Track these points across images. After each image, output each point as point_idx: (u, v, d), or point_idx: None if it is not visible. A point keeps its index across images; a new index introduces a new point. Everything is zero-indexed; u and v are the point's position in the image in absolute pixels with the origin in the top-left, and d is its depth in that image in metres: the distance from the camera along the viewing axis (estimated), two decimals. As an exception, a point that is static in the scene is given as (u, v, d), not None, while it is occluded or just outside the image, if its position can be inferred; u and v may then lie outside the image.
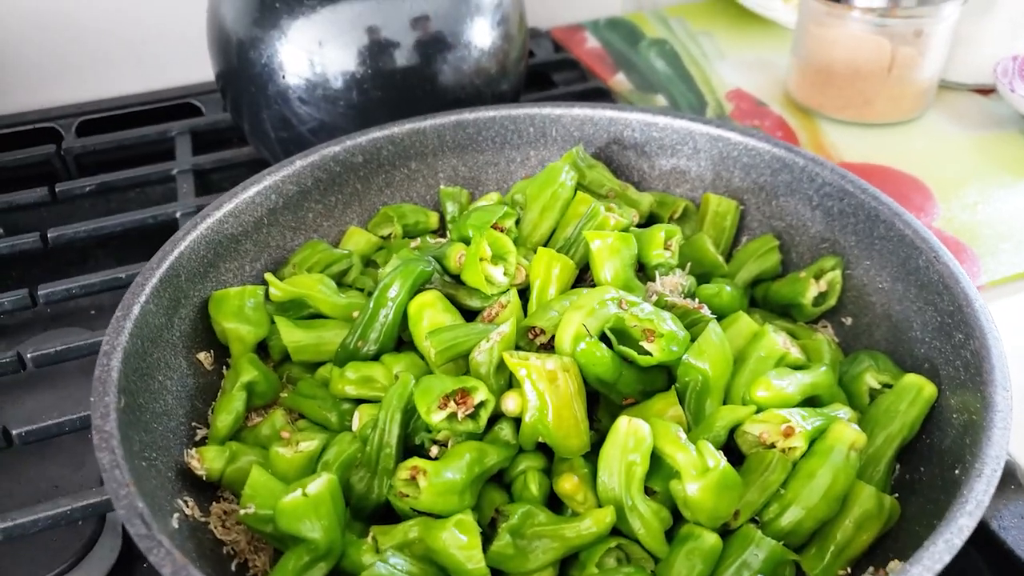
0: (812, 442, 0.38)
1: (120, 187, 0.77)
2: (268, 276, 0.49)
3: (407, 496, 0.37)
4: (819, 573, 0.37)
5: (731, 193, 0.55)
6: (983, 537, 0.44)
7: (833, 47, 0.77)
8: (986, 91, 0.83)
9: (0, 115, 0.88)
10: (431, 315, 0.45)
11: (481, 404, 0.39)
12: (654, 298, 0.45)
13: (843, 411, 0.40)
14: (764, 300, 0.51)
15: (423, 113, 0.60)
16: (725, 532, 0.37)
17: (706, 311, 0.44)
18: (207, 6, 0.74)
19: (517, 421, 0.40)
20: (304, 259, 0.53)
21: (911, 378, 0.41)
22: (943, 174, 0.72)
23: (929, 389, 0.41)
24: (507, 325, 0.42)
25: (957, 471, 0.36)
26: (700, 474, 0.36)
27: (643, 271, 0.48)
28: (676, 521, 0.38)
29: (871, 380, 0.43)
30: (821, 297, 0.49)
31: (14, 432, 0.51)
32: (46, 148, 0.83)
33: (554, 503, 0.39)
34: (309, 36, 0.64)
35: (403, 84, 0.65)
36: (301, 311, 0.50)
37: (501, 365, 0.41)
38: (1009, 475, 0.46)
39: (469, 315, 0.47)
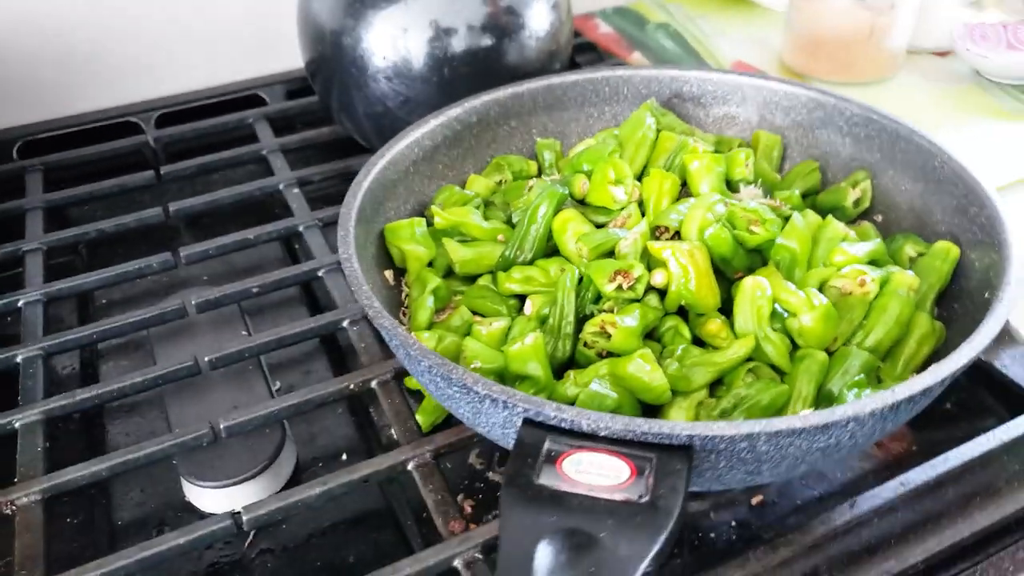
0: (881, 288, 0.53)
1: (217, 168, 0.88)
2: (433, 209, 0.61)
3: (595, 345, 0.50)
4: (896, 376, 0.51)
5: (774, 131, 0.70)
6: (988, 376, 0.60)
7: (821, 20, 0.93)
8: (943, 54, 1.00)
9: (84, 112, 0.98)
10: (574, 226, 0.58)
11: (638, 278, 0.52)
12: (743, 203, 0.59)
13: (895, 267, 0.55)
14: (812, 208, 0.65)
15: (495, 87, 0.73)
16: (828, 353, 0.51)
17: (786, 208, 0.58)
18: (298, 4, 0.85)
19: (660, 293, 0.53)
20: (445, 200, 0.65)
21: (941, 243, 0.56)
22: (918, 119, 0.88)
23: (955, 250, 0.55)
24: (643, 223, 0.55)
25: (987, 295, 0.50)
26: (810, 309, 0.50)
27: (728, 186, 0.62)
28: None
29: (910, 250, 0.58)
30: (857, 202, 0.64)
31: (204, 359, 0.62)
32: (137, 138, 0.93)
33: (692, 352, 0.53)
34: (395, 24, 0.77)
35: (476, 63, 0.78)
36: (454, 236, 0.62)
37: (643, 254, 0.54)
38: (1004, 331, 0.61)
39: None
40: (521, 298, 0.58)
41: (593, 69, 0.72)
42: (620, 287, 0.52)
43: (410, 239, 0.60)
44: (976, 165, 0.56)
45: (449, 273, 0.61)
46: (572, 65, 1.06)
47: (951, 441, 0.53)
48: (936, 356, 0.53)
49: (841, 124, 0.66)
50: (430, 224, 0.62)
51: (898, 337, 0.52)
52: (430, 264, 0.61)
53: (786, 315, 0.52)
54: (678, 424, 0.39)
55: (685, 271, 0.52)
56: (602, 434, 0.40)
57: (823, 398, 0.49)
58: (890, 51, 0.94)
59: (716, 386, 0.51)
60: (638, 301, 0.52)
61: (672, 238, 0.57)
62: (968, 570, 0.52)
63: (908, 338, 0.52)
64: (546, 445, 0.40)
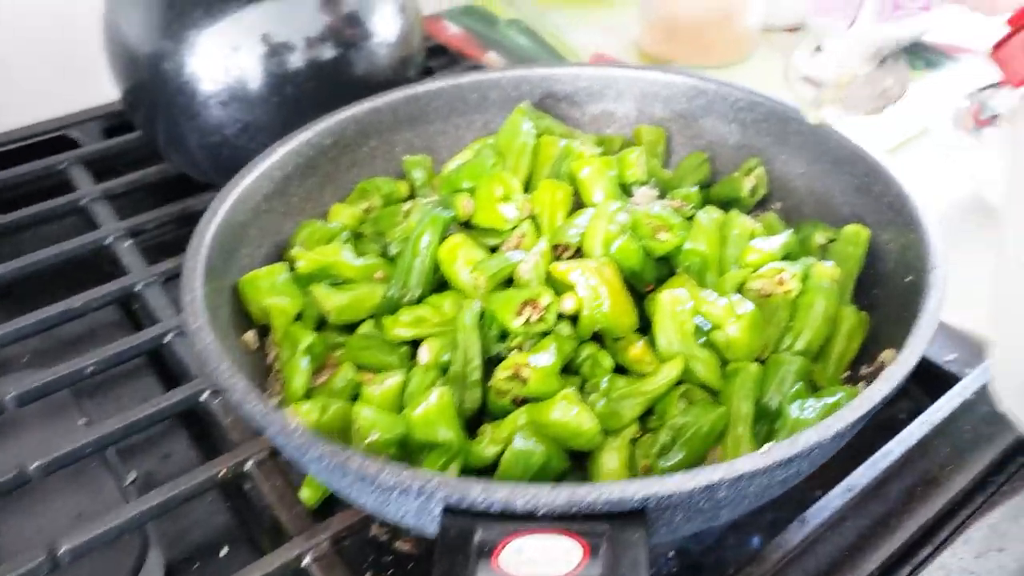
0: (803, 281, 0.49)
1: (27, 225, 0.75)
2: (296, 251, 0.53)
3: (508, 392, 0.44)
4: (829, 378, 0.47)
5: (655, 123, 0.66)
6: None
7: (676, 5, 0.90)
8: (795, 29, 1.00)
9: None
10: (464, 253, 0.51)
11: (547, 307, 0.46)
12: (641, 206, 0.54)
13: (811, 259, 0.51)
14: (706, 203, 0.61)
15: (347, 103, 0.65)
16: (760, 362, 0.47)
17: (687, 206, 0.53)
18: (103, 25, 0.74)
19: (572, 319, 0.47)
20: (306, 238, 0.57)
21: (850, 228, 0.53)
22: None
23: (865, 232, 0.53)
24: (543, 242, 0.49)
25: (908, 278, 0.48)
26: (736, 318, 0.45)
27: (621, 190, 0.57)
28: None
29: (819, 238, 0.55)
30: (753, 191, 0.60)
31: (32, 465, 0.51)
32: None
33: (613, 380, 0.47)
34: (222, 42, 0.67)
35: (323, 79, 0.69)
36: (323, 280, 0.54)
37: (547, 278, 0.48)
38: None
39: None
40: (414, 344, 0.50)
41: (457, 74, 0.66)
42: (529, 320, 0.45)
43: (271, 291, 0.51)
44: (874, 149, 0.53)
45: (324, 323, 0.53)
46: (426, 71, 0.98)
47: (874, 431, 0.50)
48: (866, 347, 0.50)
49: (726, 111, 0.62)
50: (293, 269, 0.53)
51: (827, 335, 0.48)
52: (299, 317, 0.52)
53: (708, 327, 0.47)
54: (630, 485, 0.33)
55: (596, 293, 0.46)
56: (542, 512, 0.33)
57: (762, 413, 0.45)
58: (745, 31, 0.93)
59: (647, 416, 0.46)
60: (549, 333, 0.46)
61: (575, 255, 0.51)
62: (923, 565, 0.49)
63: (837, 335, 0.48)
64: (477, 536, 0.33)
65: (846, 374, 0.48)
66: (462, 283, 0.50)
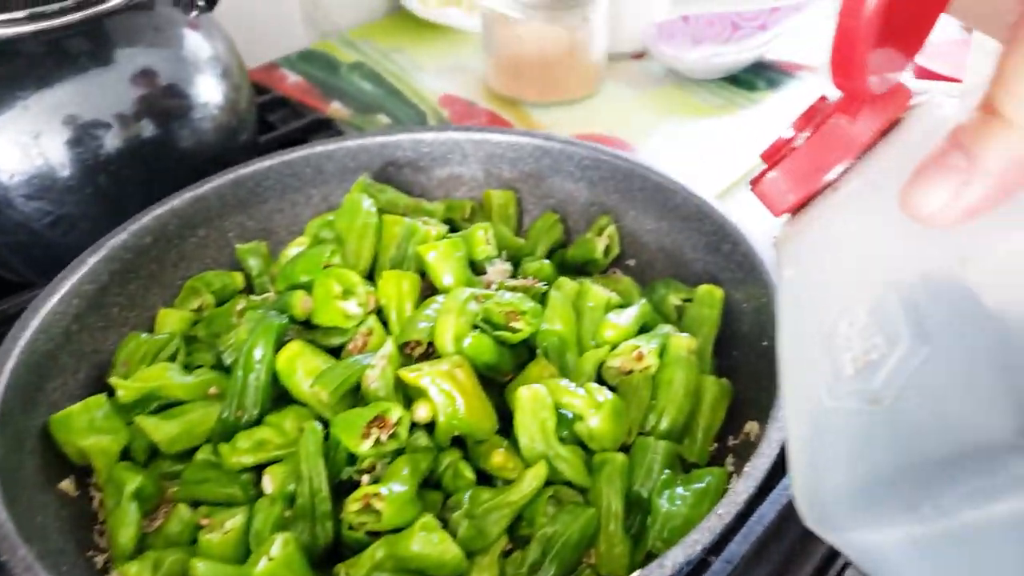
0: (660, 356, 0.48)
1: None
2: (114, 380, 0.47)
3: (362, 525, 0.40)
4: (697, 454, 0.46)
5: (504, 185, 0.63)
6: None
7: (521, 43, 0.88)
8: (640, 55, 1.00)
9: None
10: (303, 363, 0.47)
11: (398, 423, 0.42)
12: (494, 287, 0.51)
13: (668, 328, 0.50)
14: (562, 265, 0.59)
15: (175, 183, 0.60)
16: (624, 449, 0.45)
17: (538, 284, 0.51)
18: None
19: (428, 426, 0.44)
20: (130, 355, 0.51)
21: (703, 288, 0.52)
22: (630, 128, 0.87)
23: (718, 292, 0.52)
24: (388, 345, 0.45)
25: (765, 343, 0.47)
26: (597, 409, 0.43)
27: (472, 268, 0.54)
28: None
29: (674, 299, 0.53)
30: (607, 250, 0.59)
31: None
32: None
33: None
34: (18, 129, 0.60)
35: (142, 160, 0.63)
36: (150, 405, 0.48)
37: (396, 384, 0.45)
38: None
39: (333, 354, 0.49)
40: (258, 467, 0.45)
41: (287, 150, 0.61)
42: (379, 440, 0.41)
43: (89, 430, 0.45)
44: (721, 206, 0.52)
45: (155, 452, 0.47)
46: (263, 127, 0.92)
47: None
48: (732, 415, 0.49)
49: (572, 169, 0.60)
50: (113, 395, 0.47)
51: (691, 409, 0.47)
52: (125, 452, 0.47)
53: (570, 415, 0.44)
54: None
55: (451, 398, 0.43)
56: None
57: (633, 505, 0.43)
58: (592, 64, 0.92)
59: (516, 521, 0.43)
60: (403, 450, 0.43)
61: (426, 352, 0.47)
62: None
63: (701, 408, 0.47)
64: None
65: (714, 447, 0.47)
66: (304, 395, 0.46)
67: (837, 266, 0.25)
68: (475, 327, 0.46)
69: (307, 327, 0.51)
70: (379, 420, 0.42)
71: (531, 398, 0.43)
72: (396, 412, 0.42)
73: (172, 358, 0.52)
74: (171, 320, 0.54)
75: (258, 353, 0.46)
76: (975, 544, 0.20)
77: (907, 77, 0.26)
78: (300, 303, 0.50)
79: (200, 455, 0.47)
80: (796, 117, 0.27)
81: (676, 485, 0.42)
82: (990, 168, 0.20)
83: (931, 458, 0.20)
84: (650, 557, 0.40)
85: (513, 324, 0.46)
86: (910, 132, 0.25)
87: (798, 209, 0.26)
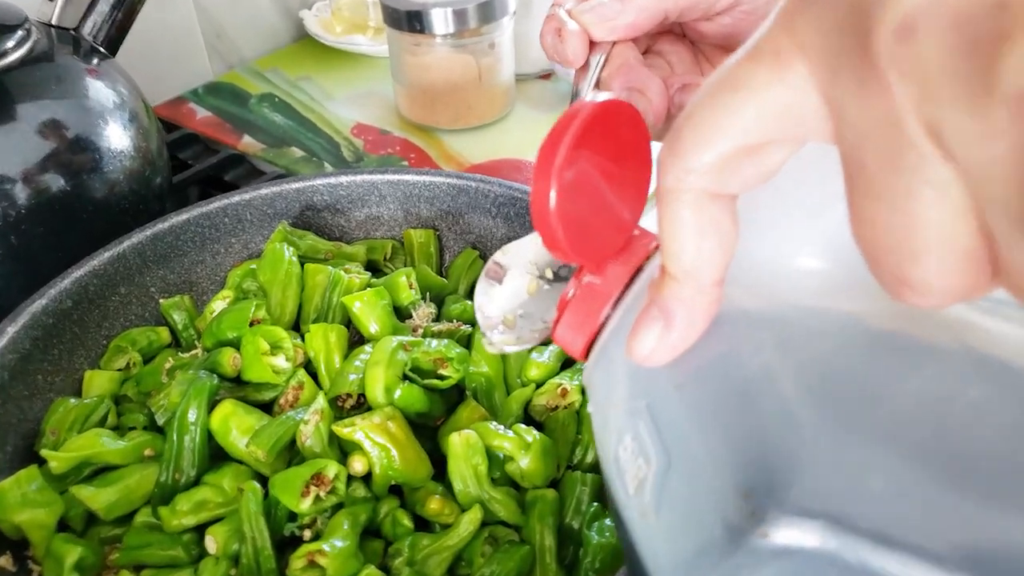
0: (583, 393, 0.51)
1: None
2: (45, 452, 0.47)
3: (308, 581, 0.41)
4: (622, 481, 0.49)
5: (423, 223, 0.65)
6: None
7: (429, 71, 0.90)
8: (546, 75, 1.03)
9: None
10: (237, 422, 0.48)
11: (335, 478, 0.44)
12: (419, 332, 0.53)
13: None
14: (485, 300, 0.62)
15: (90, 236, 0.60)
16: (554, 484, 0.47)
17: (463, 326, 0.53)
18: None
19: (364, 478, 0.46)
20: (58, 422, 0.51)
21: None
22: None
23: (632, 323, 0.55)
24: (319, 401, 0.47)
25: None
26: (526, 450, 0.46)
27: (397, 313, 0.56)
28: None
29: (592, 332, 0.56)
30: (526, 283, 0.61)
31: None
32: None
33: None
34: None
35: (54, 217, 0.63)
36: (83, 472, 0.48)
37: (330, 438, 0.46)
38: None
39: (264, 409, 0.51)
40: (199, 527, 0.46)
41: (205, 202, 0.61)
42: (319, 497, 0.43)
43: (23, 505, 0.45)
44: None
45: (92, 519, 0.48)
46: (176, 165, 0.91)
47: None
48: (649, 440, 0.52)
49: (488, 207, 0.63)
50: (43, 464, 0.47)
51: (613, 440, 0.50)
52: (61, 523, 0.47)
53: (501, 455, 0.47)
54: None
55: (385, 450, 0.45)
56: None
57: (565, 538, 0.46)
58: (501, 87, 0.94)
59: (455, 562, 0.45)
60: (342, 503, 0.44)
61: (357, 403, 0.49)
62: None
63: (622, 437, 0.50)
64: None
65: (636, 472, 0.51)
66: (241, 454, 0.47)
67: (609, 399, 0.29)
68: (404, 377, 0.48)
69: (237, 383, 0.52)
70: (317, 478, 0.43)
71: (463, 444, 0.45)
72: (332, 469, 0.44)
73: (102, 421, 0.52)
74: (99, 382, 0.54)
75: (192, 415, 0.47)
76: None
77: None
78: (229, 361, 0.51)
79: (139, 518, 0.47)
80: (573, 274, 0.31)
81: (604, 517, 0.45)
82: (675, 315, 0.24)
83: (688, 557, 0.23)
84: (582, 586, 0.43)
85: (441, 371, 0.49)
86: (647, 275, 0.29)
87: (588, 351, 0.30)
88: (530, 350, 0.53)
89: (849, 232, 0.22)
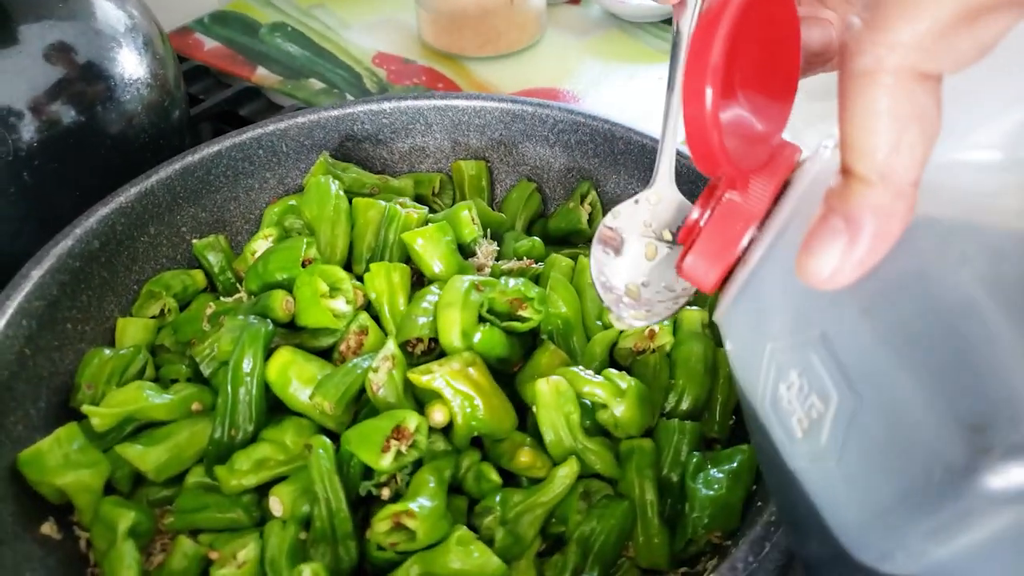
0: (674, 333, 0.46)
1: None
2: (86, 408, 0.42)
3: (393, 545, 0.37)
4: (717, 430, 0.45)
5: (473, 154, 0.60)
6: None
7: (456, -5, 0.84)
8: (576, 0, 0.97)
9: None
10: (297, 372, 0.43)
11: (416, 430, 0.40)
12: (486, 271, 0.49)
13: (674, 301, 0.48)
14: (544, 236, 0.57)
15: (107, 174, 0.54)
16: (647, 433, 0.43)
17: (534, 263, 0.48)
18: None
19: (443, 430, 0.42)
20: (93, 375, 0.46)
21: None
22: (577, 79, 0.84)
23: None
24: (390, 346, 0.42)
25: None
26: (621, 397, 0.41)
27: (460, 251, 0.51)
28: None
29: (671, 268, 0.52)
30: (590, 219, 0.57)
31: None
32: None
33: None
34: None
35: (68, 152, 0.57)
36: (125, 429, 0.44)
37: (405, 387, 0.42)
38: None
39: (323, 356, 0.46)
40: (261, 488, 0.42)
41: (237, 132, 0.56)
42: (400, 453, 0.39)
43: (65, 466, 0.41)
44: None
45: (140, 479, 0.44)
46: (191, 101, 0.85)
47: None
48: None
49: (546, 134, 0.57)
50: (84, 419, 0.43)
51: (710, 384, 0.45)
52: (108, 483, 0.43)
53: (589, 404, 0.43)
54: None
55: (468, 398, 0.40)
56: None
57: (667, 492, 0.42)
58: (532, 13, 0.88)
59: (546, 520, 0.41)
60: (422, 459, 0.40)
61: (429, 349, 0.45)
62: None
63: (718, 382, 0.46)
64: None
65: (732, 421, 0.46)
66: (302, 405, 0.43)
67: (764, 332, 0.26)
68: (481, 319, 0.43)
69: (291, 329, 0.47)
70: (397, 430, 0.39)
71: (552, 391, 0.41)
72: (414, 420, 0.39)
73: (140, 373, 0.47)
74: (132, 330, 0.50)
75: (247, 365, 0.43)
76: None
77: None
78: (282, 305, 0.46)
79: (191, 479, 0.43)
80: (700, 195, 0.28)
81: (708, 467, 0.41)
82: (865, 225, 0.21)
83: (888, 504, 0.20)
84: (689, 544, 0.40)
85: (520, 312, 0.44)
86: (801, 190, 0.26)
87: (724, 283, 0.27)
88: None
89: None
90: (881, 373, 0.21)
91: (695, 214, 0.28)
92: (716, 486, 0.39)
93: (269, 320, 0.45)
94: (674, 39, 0.33)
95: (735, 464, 0.40)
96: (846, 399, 0.22)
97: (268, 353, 0.44)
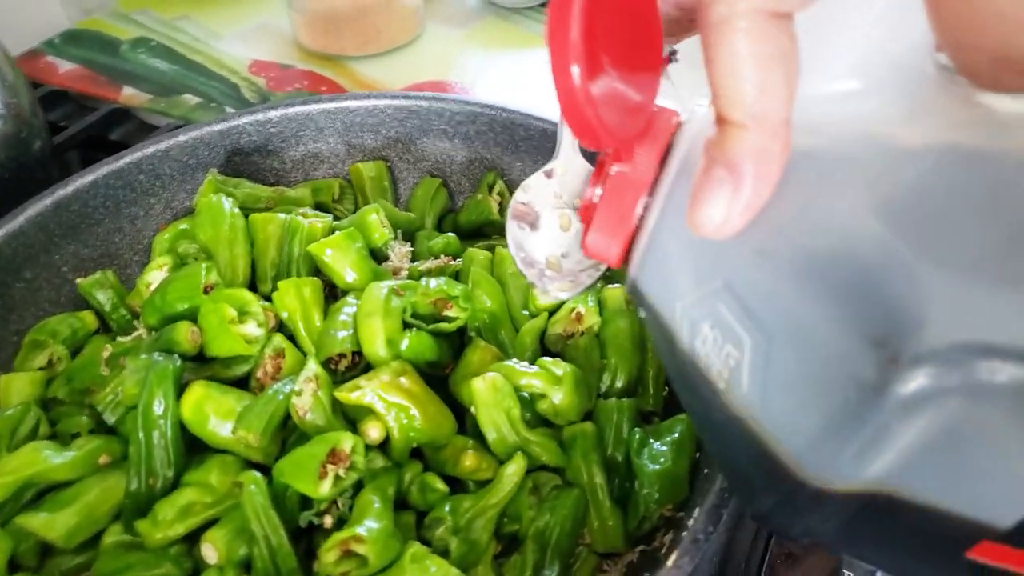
0: (600, 313, 0.46)
1: None
2: (-24, 482, 0.38)
3: (345, 574, 0.35)
4: (653, 402, 0.45)
5: (370, 155, 0.57)
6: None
7: (329, -6, 0.80)
8: (454, -8, 0.95)
9: None
10: (213, 406, 0.40)
11: (352, 451, 0.37)
12: (403, 274, 0.47)
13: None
14: (456, 231, 0.55)
15: None
16: (587, 417, 0.43)
17: (452, 260, 0.47)
18: None
19: (380, 446, 0.40)
20: (-20, 441, 0.41)
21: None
22: (462, 69, 0.83)
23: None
24: (311, 366, 0.40)
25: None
26: (558, 384, 0.40)
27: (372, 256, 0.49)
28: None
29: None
30: (501, 208, 0.55)
31: None
32: None
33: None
34: None
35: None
36: (24, 497, 0.40)
37: (333, 407, 0.39)
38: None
39: (238, 385, 0.43)
40: (190, 536, 0.39)
41: (112, 158, 0.51)
42: (337, 477, 0.37)
43: (-39, 548, 0.36)
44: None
45: (48, 550, 0.40)
46: (52, 129, 0.79)
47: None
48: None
49: (444, 127, 0.56)
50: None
51: (640, 362, 0.45)
52: (14, 562, 0.38)
53: (527, 395, 0.42)
54: None
55: (403, 410, 0.38)
56: None
57: (614, 472, 0.41)
58: (411, 8, 0.85)
59: (501, 522, 0.40)
60: (362, 479, 0.38)
61: (353, 364, 0.42)
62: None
63: (647, 355, 0.45)
64: None
65: (665, 392, 0.46)
66: (226, 443, 0.40)
67: (672, 293, 0.26)
68: (405, 325, 0.41)
69: (200, 362, 0.44)
70: (332, 454, 0.37)
71: (489, 388, 0.39)
72: (348, 441, 0.37)
73: (34, 433, 0.43)
74: (18, 386, 0.45)
75: (158, 406, 0.39)
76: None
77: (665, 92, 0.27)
78: (188, 337, 0.43)
79: (108, 539, 0.39)
80: (591, 174, 0.28)
81: (651, 442, 0.40)
82: (746, 169, 0.21)
83: (818, 435, 0.21)
84: (643, 521, 0.39)
85: (446, 312, 0.42)
86: (684, 150, 0.26)
87: (627, 255, 0.28)
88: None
89: (909, 46, 0.20)
90: (785, 309, 0.22)
91: (588, 192, 0.28)
92: (662, 459, 0.39)
93: (175, 355, 0.42)
94: None
95: (676, 434, 0.40)
96: (758, 341, 0.22)
97: (180, 391, 0.40)
